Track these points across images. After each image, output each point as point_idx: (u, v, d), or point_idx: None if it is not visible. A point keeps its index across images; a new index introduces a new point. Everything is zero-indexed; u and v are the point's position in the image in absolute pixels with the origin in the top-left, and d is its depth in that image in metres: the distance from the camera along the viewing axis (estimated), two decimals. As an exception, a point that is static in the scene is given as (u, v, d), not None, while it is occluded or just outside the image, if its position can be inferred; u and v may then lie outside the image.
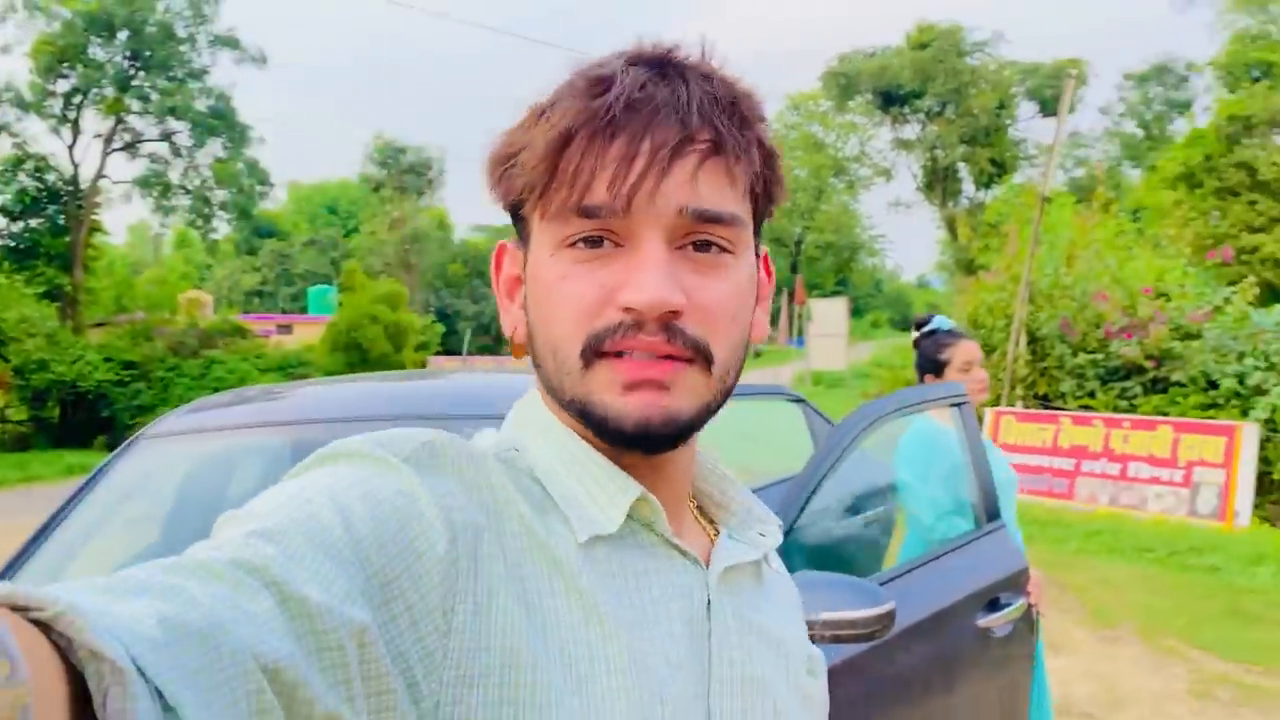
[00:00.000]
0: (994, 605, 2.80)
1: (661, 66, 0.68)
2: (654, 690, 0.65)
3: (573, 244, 0.68)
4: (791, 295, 38.30)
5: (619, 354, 0.67)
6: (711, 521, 0.82)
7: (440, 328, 40.16)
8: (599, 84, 0.67)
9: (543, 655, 0.62)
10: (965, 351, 3.35)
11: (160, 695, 0.39)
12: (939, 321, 3.44)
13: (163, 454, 2.55)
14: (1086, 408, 10.53)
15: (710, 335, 0.68)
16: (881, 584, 2.48)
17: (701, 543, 0.78)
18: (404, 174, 47.92)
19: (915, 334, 3.50)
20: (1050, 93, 34.19)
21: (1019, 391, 11.12)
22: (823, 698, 0.84)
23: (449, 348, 43.49)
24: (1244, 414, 9.36)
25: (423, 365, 26.73)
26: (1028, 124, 37.16)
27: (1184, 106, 45.52)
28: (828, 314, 25.75)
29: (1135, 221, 14.94)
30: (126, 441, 2.55)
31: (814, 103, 46.57)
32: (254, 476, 2.53)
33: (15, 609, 0.37)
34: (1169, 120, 46.62)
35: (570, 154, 0.66)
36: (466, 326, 49.10)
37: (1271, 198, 33.43)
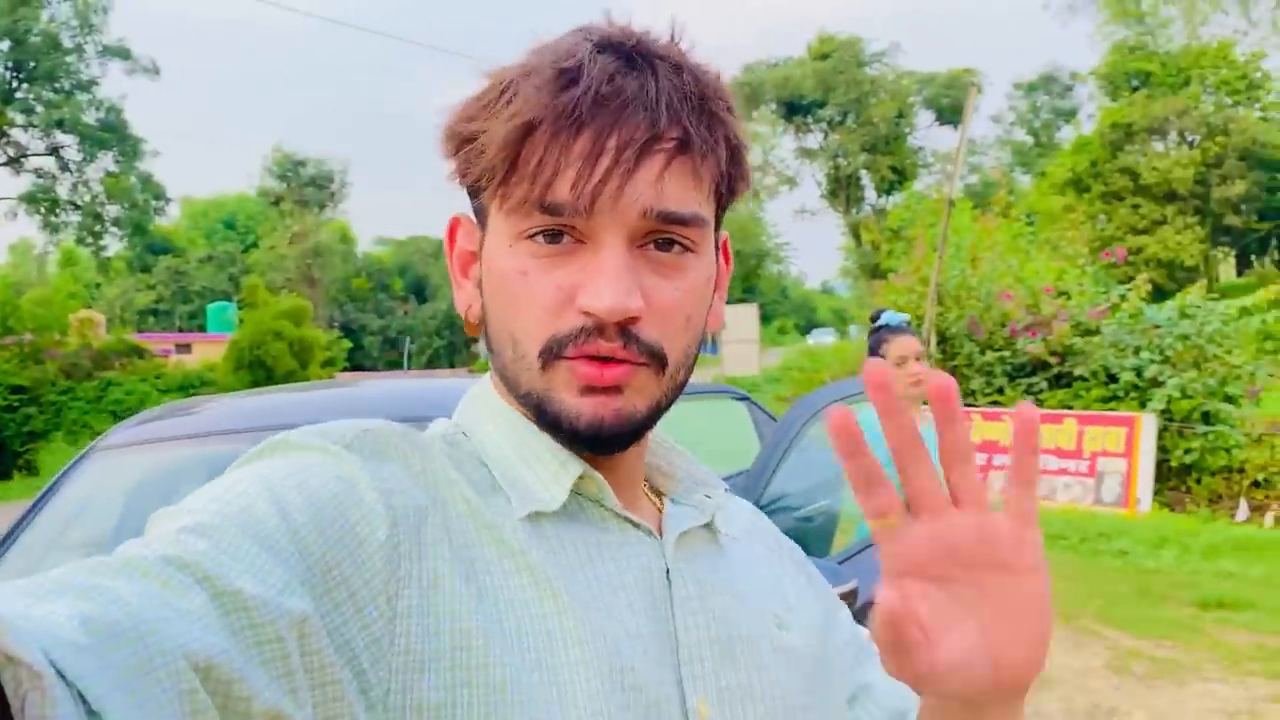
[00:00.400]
0: None
1: (630, 56, 0.66)
2: (615, 661, 0.64)
3: (532, 236, 0.66)
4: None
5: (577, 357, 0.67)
6: (661, 494, 0.81)
7: (346, 343, 39.44)
8: (565, 75, 0.65)
9: (497, 635, 0.61)
10: (899, 346, 3.48)
11: (85, 699, 0.38)
12: (887, 317, 3.56)
13: (117, 465, 2.49)
14: (996, 404, 10.91)
15: (665, 338, 0.68)
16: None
17: (653, 515, 0.77)
18: (304, 187, 47.01)
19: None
20: (946, 101, 35.34)
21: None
22: (805, 647, 0.80)
23: (355, 363, 42.72)
24: (1142, 405, 9.82)
25: (331, 381, 26.20)
26: (925, 132, 38.33)
27: (1070, 114, 47.57)
28: (739, 321, 26.24)
29: (1029, 225, 15.53)
30: (80, 454, 2.49)
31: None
32: (204, 482, 2.49)
33: None
34: (1056, 128, 48.68)
35: (533, 147, 0.64)
36: (372, 341, 48.31)
37: (1153, 202, 35.18)
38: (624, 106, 0.64)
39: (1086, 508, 9.42)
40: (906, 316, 3.62)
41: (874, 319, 3.64)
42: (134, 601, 0.44)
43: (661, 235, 0.67)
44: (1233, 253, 39.90)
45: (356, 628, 0.57)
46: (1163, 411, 9.63)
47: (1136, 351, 10.10)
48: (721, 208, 0.73)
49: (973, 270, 11.79)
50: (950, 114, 35.63)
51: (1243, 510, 9.04)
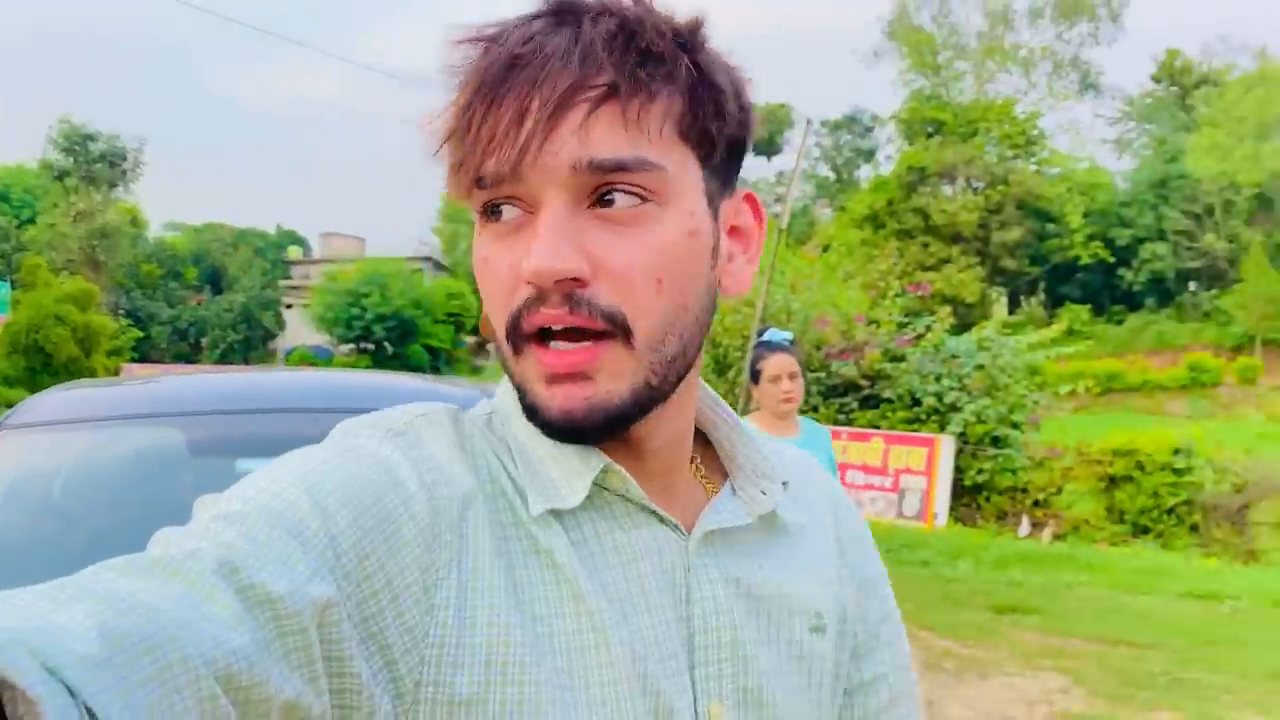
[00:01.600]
0: None
1: (559, 13, 0.62)
2: (637, 667, 0.63)
3: (486, 218, 0.64)
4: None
5: (541, 340, 0.62)
6: (725, 476, 0.76)
7: (136, 332, 36.96)
8: (488, 49, 0.62)
9: (530, 634, 0.61)
10: (773, 365, 3.67)
11: (94, 714, 0.37)
12: (770, 334, 3.76)
13: (27, 446, 2.38)
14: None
15: (626, 302, 0.61)
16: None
17: (697, 502, 0.73)
18: (94, 163, 43.72)
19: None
20: (761, 133, 36.86)
21: (753, 405, 11.99)
22: (829, 653, 0.76)
23: (143, 354, 40.07)
24: (942, 428, 10.70)
25: (116, 372, 24.57)
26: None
27: (869, 154, 50.64)
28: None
29: (826, 255, 16.57)
30: (-14, 432, 2.36)
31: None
32: (135, 469, 2.42)
33: None
34: (856, 166, 51.65)
35: (472, 124, 0.61)
36: (161, 332, 45.41)
37: (940, 241, 37.97)
38: (545, 62, 0.59)
39: (890, 521, 10.17)
40: (790, 335, 3.81)
41: (760, 334, 3.85)
42: (158, 605, 0.44)
43: (607, 188, 0.60)
44: (1005, 293, 43.46)
45: (390, 616, 0.56)
46: (959, 434, 10.52)
47: (938, 379, 10.98)
48: (703, 151, 0.64)
49: (794, 296, 12.45)
50: (765, 145, 37.19)
51: (1024, 526, 10.01)
